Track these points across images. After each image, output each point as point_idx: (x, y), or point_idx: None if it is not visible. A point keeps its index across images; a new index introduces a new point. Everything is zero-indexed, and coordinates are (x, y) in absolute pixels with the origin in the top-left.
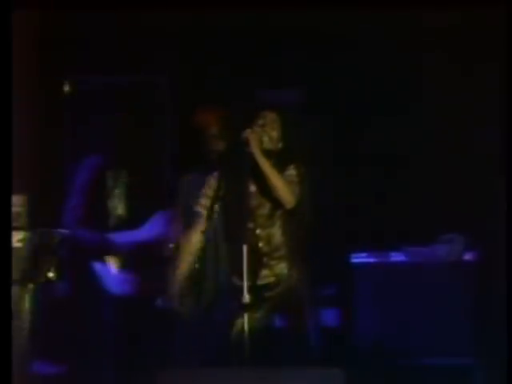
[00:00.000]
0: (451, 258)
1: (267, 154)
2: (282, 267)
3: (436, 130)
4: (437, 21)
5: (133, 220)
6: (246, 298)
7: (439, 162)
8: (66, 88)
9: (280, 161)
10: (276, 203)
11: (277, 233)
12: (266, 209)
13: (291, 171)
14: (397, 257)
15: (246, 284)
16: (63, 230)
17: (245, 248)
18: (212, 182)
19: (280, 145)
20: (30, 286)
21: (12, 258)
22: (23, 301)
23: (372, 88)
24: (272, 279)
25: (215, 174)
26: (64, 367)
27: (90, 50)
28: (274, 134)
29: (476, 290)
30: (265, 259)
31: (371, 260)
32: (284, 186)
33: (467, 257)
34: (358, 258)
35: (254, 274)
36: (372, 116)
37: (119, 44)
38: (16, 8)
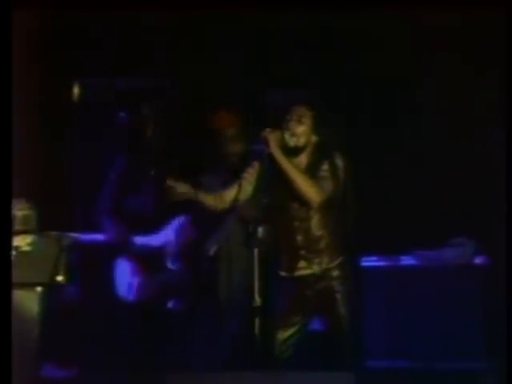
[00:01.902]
0: (461, 262)
1: (292, 151)
2: (319, 261)
3: (448, 133)
4: (437, 22)
5: (151, 223)
6: (257, 301)
7: (450, 165)
8: (71, 89)
9: (313, 156)
10: (303, 200)
11: (315, 226)
12: (299, 204)
13: (324, 166)
14: (407, 260)
15: (257, 285)
16: (73, 234)
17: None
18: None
19: (312, 139)
20: (40, 289)
21: (20, 262)
22: (32, 304)
23: (377, 89)
24: (309, 272)
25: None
26: (74, 371)
27: (91, 50)
28: (302, 129)
29: (486, 293)
30: (302, 252)
31: (381, 264)
32: (307, 184)
33: (477, 260)
34: (368, 262)
35: (290, 266)
36: (380, 117)
37: (121, 44)
38: (16, 8)
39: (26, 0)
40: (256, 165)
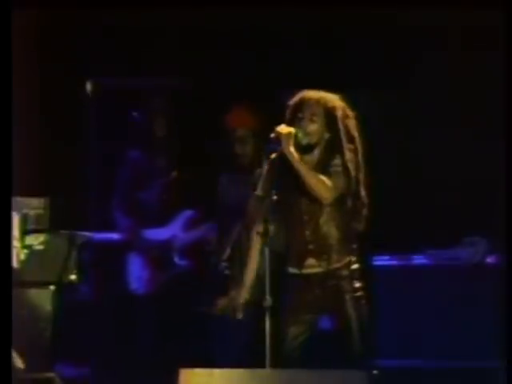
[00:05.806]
0: (474, 261)
1: (304, 149)
2: (327, 257)
3: (460, 132)
4: (436, 20)
5: (163, 218)
6: (269, 300)
7: (463, 164)
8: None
9: (325, 152)
10: (314, 197)
11: (324, 222)
12: (309, 200)
13: (336, 161)
14: (419, 260)
15: (268, 284)
16: (86, 232)
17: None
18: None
19: (325, 136)
20: (52, 288)
21: (33, 261)
22: (45, 303)
23: (387, 89)
24: (316, 270)
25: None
26: (87, 369)
27: (91, 49)
28: (314, 128)
29: (499, 292)
30: (310, 247)
31: (393, 263)
32: (318, 182)
33: (490, 260)
34: (381, 261)
35: (299, 262)
36: (392, 116)
37: (122, 43)
38: (16, 8)
39: (26, 0)
40: (267, 164)
